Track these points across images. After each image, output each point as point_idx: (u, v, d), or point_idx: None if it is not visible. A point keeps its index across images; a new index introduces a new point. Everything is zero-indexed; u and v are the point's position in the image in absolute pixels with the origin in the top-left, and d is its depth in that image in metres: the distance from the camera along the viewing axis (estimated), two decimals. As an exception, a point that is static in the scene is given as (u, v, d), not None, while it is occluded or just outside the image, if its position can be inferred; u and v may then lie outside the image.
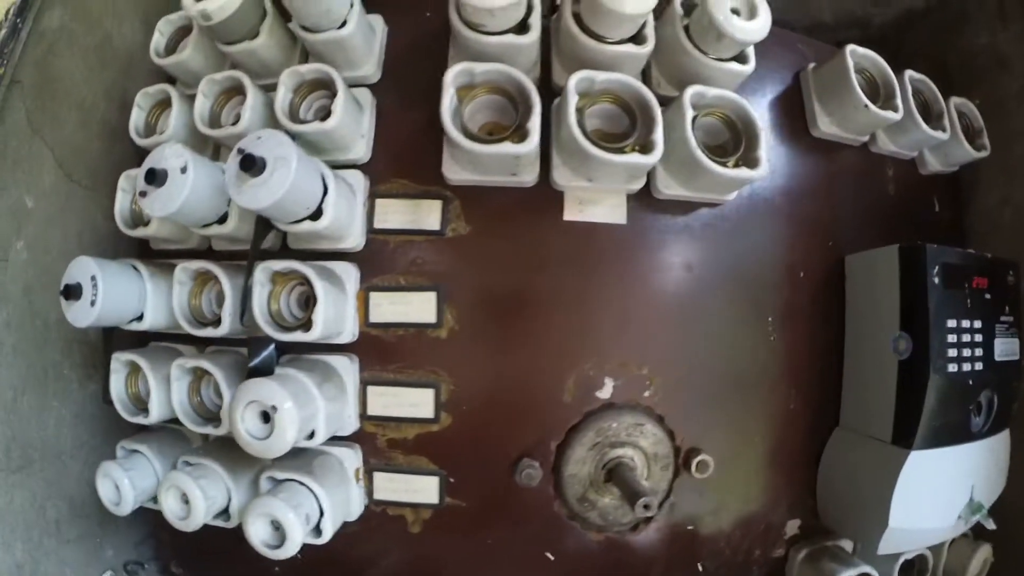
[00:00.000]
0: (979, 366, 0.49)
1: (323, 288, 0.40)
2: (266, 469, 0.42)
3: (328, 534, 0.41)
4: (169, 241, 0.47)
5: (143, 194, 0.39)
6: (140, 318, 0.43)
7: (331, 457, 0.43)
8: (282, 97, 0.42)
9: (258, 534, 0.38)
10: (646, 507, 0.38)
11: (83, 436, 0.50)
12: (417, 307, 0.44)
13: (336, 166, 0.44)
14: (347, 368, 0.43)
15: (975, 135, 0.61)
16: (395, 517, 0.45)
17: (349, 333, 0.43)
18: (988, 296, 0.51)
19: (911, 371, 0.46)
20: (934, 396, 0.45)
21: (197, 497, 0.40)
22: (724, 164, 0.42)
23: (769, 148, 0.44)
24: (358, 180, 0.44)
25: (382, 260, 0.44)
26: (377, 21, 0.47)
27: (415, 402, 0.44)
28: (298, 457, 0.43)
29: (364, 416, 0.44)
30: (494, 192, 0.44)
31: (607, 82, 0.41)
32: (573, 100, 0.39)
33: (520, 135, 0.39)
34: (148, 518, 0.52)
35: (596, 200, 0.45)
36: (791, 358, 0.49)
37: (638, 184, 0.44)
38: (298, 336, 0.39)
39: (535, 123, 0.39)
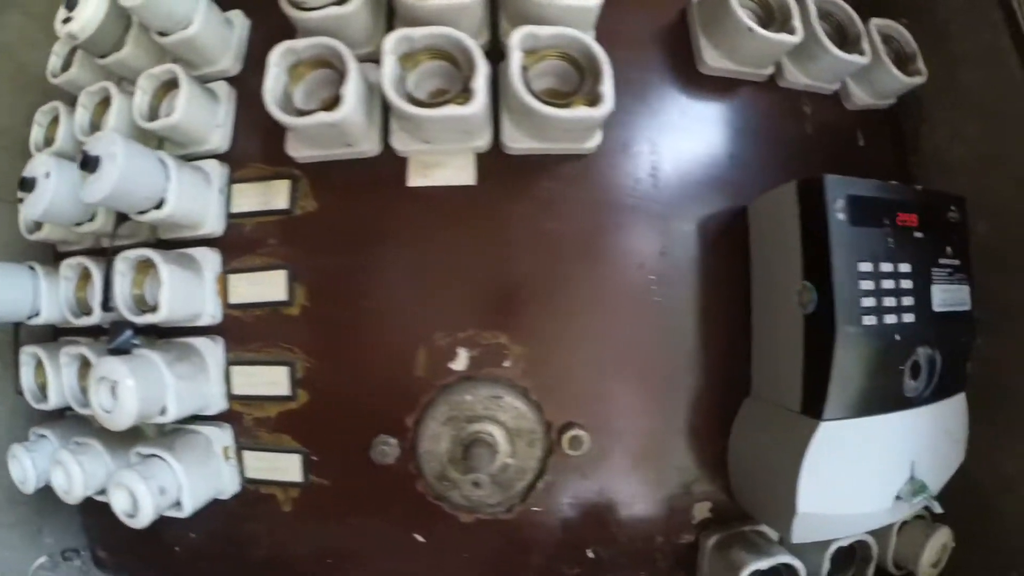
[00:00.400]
0: (909, 318, 0.40)
1: (168, 272, 0.41)
2: (136, 446, 0.44)
3: (188, 508, 0.42)
4: (67, 243, 0.51)
5: (20, 200, 0.43)
6: (39, 314, 0.48)
7: (198, 435, 0.44)
8: (139, 100, 0.44)
9: (119, 504, 0.40)
10: (476, 484, 0.35)
11: (17, 429, 0.54)
12: (270, 287, 0.44)
13: (196, 157, 0.46)
14: (209, 348, 0.44)
15: (907, 60, 0.52)
16: (267, 496, 0.45)
17: (209, 315, 0.44)
18: (920, 235, 0.42)
19: (817, 327, 0.39)
20: (846, 355, 0.38)
21: (75, 472, 0.43)
22: (565, 106, 0.38)
23: (612, 83, 0.38)
24: (214, 169, 0.45)
25: (240, 243, 0.45)
26: (237, 16, 0.49)
27: (273, 380, 0.44)
28: (169, 435, 0.45)
29: (231, 396, 0.45)
30: (340, 166, 0.44)
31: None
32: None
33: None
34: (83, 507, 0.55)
35: (442, 163, 0.43)
36: (682, 320, 0.44)
37: (481, 141, 0.42)
38: (148, 318, 0.41)
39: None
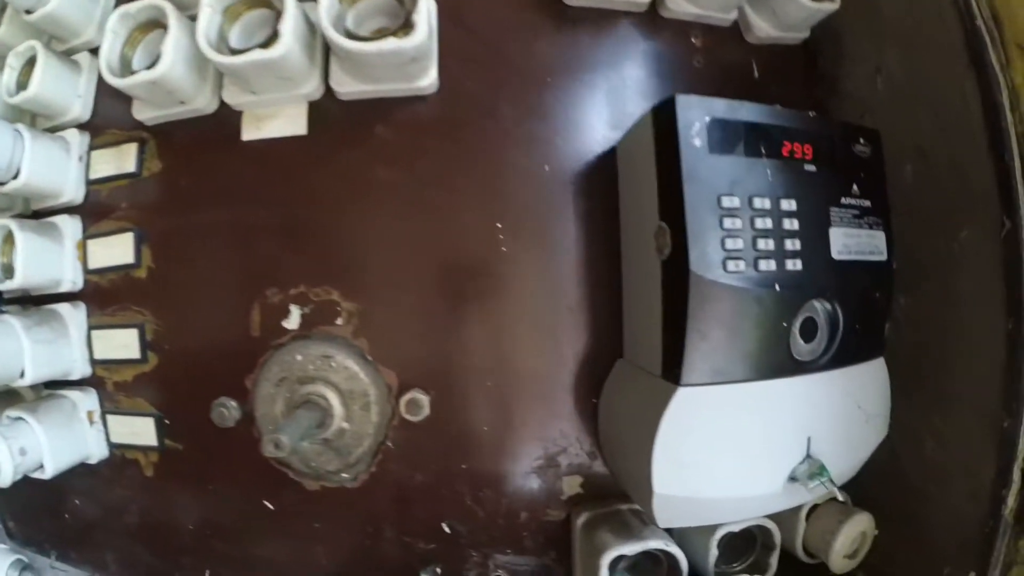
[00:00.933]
0: (794, 265, 0.34)
1: (23, 239, 0.42)
2: (9, 410, 0.44)
3: (50, 469, 0.42)
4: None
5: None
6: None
7: (64, 399, 0.45)
8: (6, 77, 0.45)
9: (-18, 464, 0.41)
10: (276, 446, 0.32)
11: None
12: (120, 250, 0.43)
13: (62, 127, 0.46)
14: (70, 314, 0.44)
15: None
16: (132, 460, 0.45)
17: (69, 281, 0.44)
18: (812, 169, 0.35)
19: (673, 275, 0.33)
20: (705, 307, 0.32)
21: (-50, 435, 0.44)
22: (384, 36, 0.34)
23: (427, 9, 0.34)
24: (74, 137, 0.45)
25: (98, 209, 0.45)
26: (104, -15, 0.49)
27: (125, 343, 0.43)
28: (38, 400, 0.45)
29: (93, 361, 0.45)
30: (183, 125, 0.42)
31: None
32: None
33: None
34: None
35: (274, 114, 0.40)
36: (539, 275, 0.39)
37: (308, 87, 0.39)
38: (6, 285, 0.42)
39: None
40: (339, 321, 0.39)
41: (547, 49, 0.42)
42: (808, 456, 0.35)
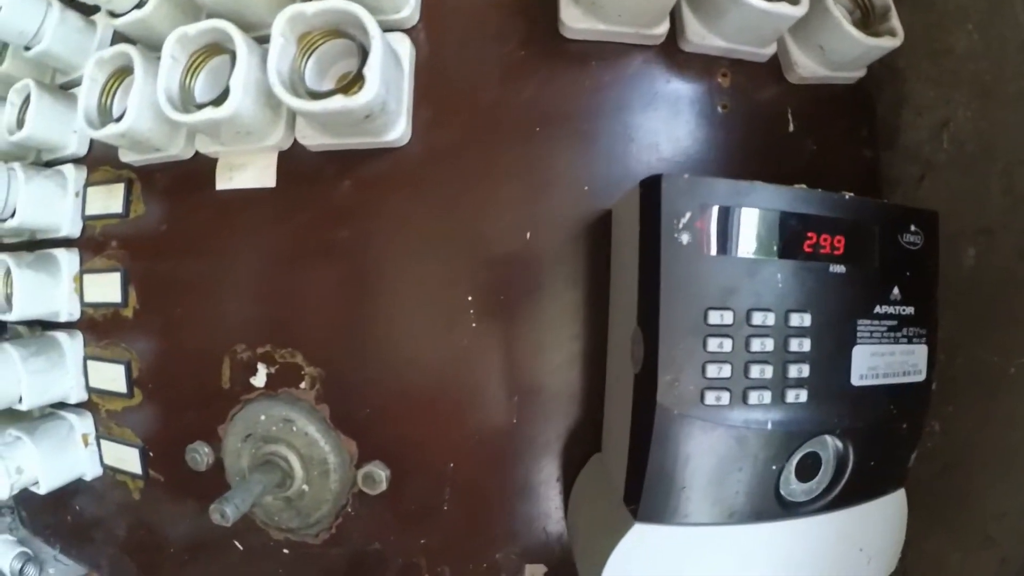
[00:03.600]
0: (798, 397, 0.26)
1: (20, 276, 0.42)
2: (10, 429, 0.46)
3: (44, 486, 0.43)
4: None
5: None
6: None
7: (62, 421, 0.45)
8: (7, 114, 0.44)
9: (-16, 478, 0.43)
10: (221, 516, 0.30)
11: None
12: (110, 288, 0.42)
13: (56, 162, 0.45)
14: (67, 342, 0.44)
15: (877, 19, 0.34)
16: (121, 483, 0.45)
17: (67, 313, 0.44)
18: (841, 270, 0.27)
19: (643, 396, 0.27)
20: (673, 445, 0.25)
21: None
22: (331, 95, 0.29)
23: (382, 59, 0.29)
24: (71, 173, 0.44)
25: (93, 244, 0.44)
26: (101, 18, 0.46)
27: (113, 377, 0.43)
28: (39, 419, 0.47)
29: (89, 388, 0.45)
30: (163, 169, 0.40)
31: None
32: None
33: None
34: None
35: (245, 164, 0.37)
36: (507, 353, 0.34)
37: (274, 139, 0.35)
38: (5, 317, 0.42)
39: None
40: (303, 385, 0.36)
41: (538, 93, 0.35)
42: None
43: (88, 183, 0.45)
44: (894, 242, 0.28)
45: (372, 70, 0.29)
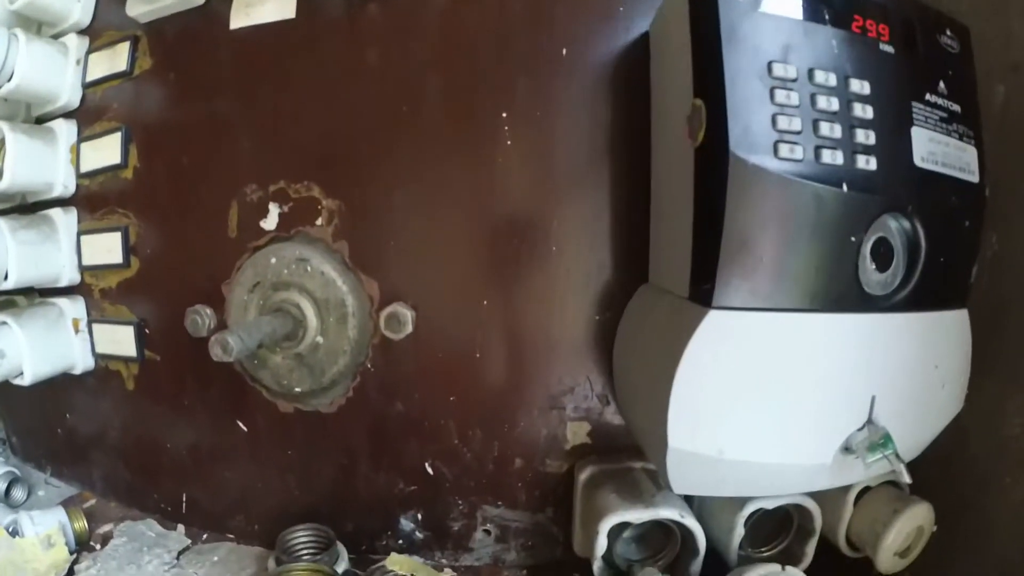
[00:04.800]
0: (868, 164, 0.24)
1: (14, 140, 0.37)
2: None
3: (28, 375, 0.38)
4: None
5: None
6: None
7: (51, 307, 0.41)
8: None
9: (-39, 363, 0.38)
10: (223, 348, 0.25)
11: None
12: (109, 151, 0.39)
13: (62, 34, 0.42)
14: (61, 219, 0.40)
15: None
16: (114, 372, 0.40)
17: (61, 185, 0.40)
18: (891, 50, 0.25)
19: (709, 164, 0.24)
20: (748, 204, 0.22)
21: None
22: None
23: None
24: (73, 42, 0.41)
25: (92, 112, 0.40)
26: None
27: (109, 247, 0.39)
28: (25, 307, 0.42)
29: (82, 267, 0.40)
30: (173, 20, 0.37)
31: None
32: None
33: None
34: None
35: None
36: (553, 177, 0.30)
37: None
38: None
39: None
40: (319, 221, 0.32)
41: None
42: (870, 421, 0.25)
43: (90, 50, 0.42)
44: (934, 40, 0.26)
45: None
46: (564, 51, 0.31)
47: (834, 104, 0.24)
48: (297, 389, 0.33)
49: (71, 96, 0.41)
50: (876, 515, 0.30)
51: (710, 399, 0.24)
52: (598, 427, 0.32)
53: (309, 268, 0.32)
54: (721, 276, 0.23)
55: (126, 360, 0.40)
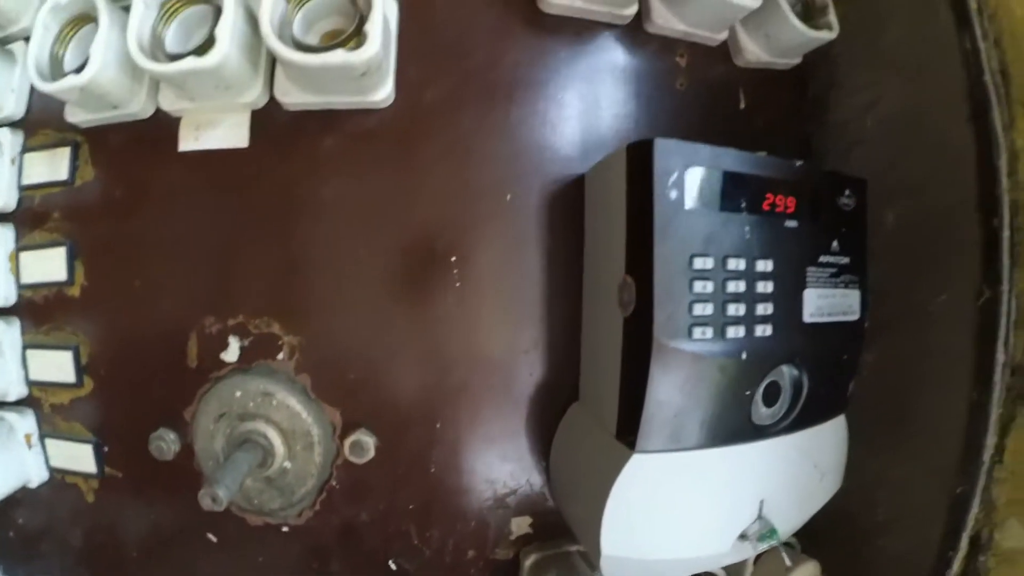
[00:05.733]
0: (765, 331, 0.29)
1: None
2: None
3: (-18, 502, 0.37)
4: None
5: None
6: None
7: (1, 422, 0.39)
8: None
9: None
10: (213, 500, 0.27)
11: None
12: (53, 265, 0.37)
13: None
14: (4, 330, 0.38)
15: (817, 12, 0.37)
16: (71, 485, 0.39)
17: (1, 296, 0.38)
18: (794, 225, 0.30)
19: (636, 336, 0.28)
20: (666, 376, 0.27)
21: None
22: (332, 49, 0.28)
23: (383, 17, 0.27)
24: (6, 137, 0.38)
25: (32, 218, 0.38)
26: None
27: (59, 365, 0.37)
28: None
29: (29, 381, 0.39)
30: (117, 129, 0.35)
31: None
32: None
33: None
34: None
35: (214, 122, 0.34)
36: (493, 309, 0.33)
37: (251, 96, 0.32)
38: None
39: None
40: (280, 356, 0.33)
41: (518, 60, 0.35)
42: (760, 517, 0.30)
43: (25, 149, 0.39)
44: (833, 203, 0.31)
45: (375, 24, 0.27)
46: (508, 197, 0.34)
47: (741, 286, 0.28)
48: (267, 508, 0.35)
49: (6, 198, 0.38)
50: (771, 573, 0.36)
51: (635, 518, 0.29)
52: (538, 518, 0.36)
53: (275, 401, 0.33)
54: (643, 430, 0.27)
55: (84, 475, 0.39)
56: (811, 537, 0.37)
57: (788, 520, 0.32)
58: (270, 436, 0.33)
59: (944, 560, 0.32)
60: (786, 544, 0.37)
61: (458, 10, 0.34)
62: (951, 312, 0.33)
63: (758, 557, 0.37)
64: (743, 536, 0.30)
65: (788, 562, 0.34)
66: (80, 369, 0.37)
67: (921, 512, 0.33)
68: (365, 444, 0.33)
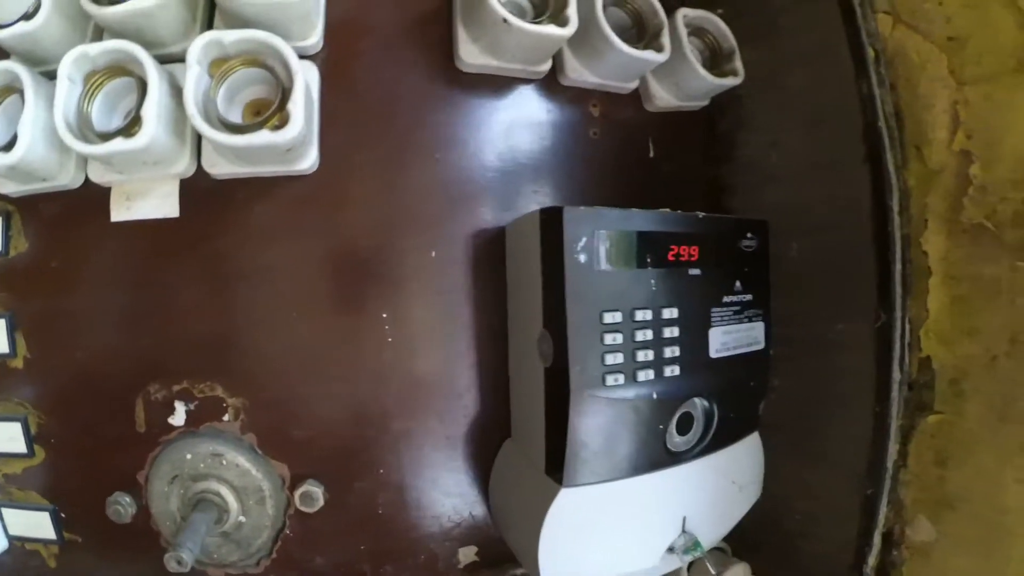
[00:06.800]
0: (673, 371, 0.31)
1: None
2: None
3: (-60, 568, 0.37)
4: None
5: None
6: None
7: (-49, 495, 0.39)
8: None
9: None
10: (179, 563, 0.28)
11: None
12: (-6, 338, 0.37)
13: None
14: (-52, 406, 0.38)
15: (723, 59, 0.40)
16: (32, 552, 0.39)
17: (-59, 373, 0.38)
18: (697, 272, 0.32)
19: (555, 384, 0.30)
20: (585, 420, 0.29)
21: None
22: (258, 126, 0.28)
23: (305, 94, 0.28)
24: None
25: (-32, 291, 0.38)
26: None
27: (10, 437, 0.37)
28: None
29: (-21, 452, 0.39)
30: (48, 199, 0.35)
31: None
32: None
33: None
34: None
35: (144, 192, 0.34)
36: (425, 358, 0.35)
37: (179, 167, 0.32)
38: None
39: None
40: (226, 417, 0.34)
41: (439, 120, 0.36)
42: (683, 532, 0.33)
43: (-40, 223, 0.39)
44: (735, 246, 0.34)
45: (296, 105, 0.28)
46: (433, 253, 0.35)
47: (648, 335, 0.31)
48: (227, 560, 0.35)
49: (-64, 276, 0.38)
50: (704, 576, 0.40)
51: (568, 544, 0.31)
52: (483, 547, 0.38)
53: (224, 461, 0.34)
54: (568, 467, 0.30)
55: (45, 542, 0.39)
56: (742, 541, 0.40)
57: (711, 531, 0.35)
58: (223, 494, 0.34)
59: (860, 555, 0.35)
60: (717, 549, 0.41)
61: (380, 73, 0.35)
62: (853, 336, 0.36)
63: (690, 565, 0.39)
64: (671, 549, 0.33)
65: (713, 570, 0.37)
66: (30, 439, 0.37)
67: (837, 514, 0.37)
68: (314, 494, 0.34)
